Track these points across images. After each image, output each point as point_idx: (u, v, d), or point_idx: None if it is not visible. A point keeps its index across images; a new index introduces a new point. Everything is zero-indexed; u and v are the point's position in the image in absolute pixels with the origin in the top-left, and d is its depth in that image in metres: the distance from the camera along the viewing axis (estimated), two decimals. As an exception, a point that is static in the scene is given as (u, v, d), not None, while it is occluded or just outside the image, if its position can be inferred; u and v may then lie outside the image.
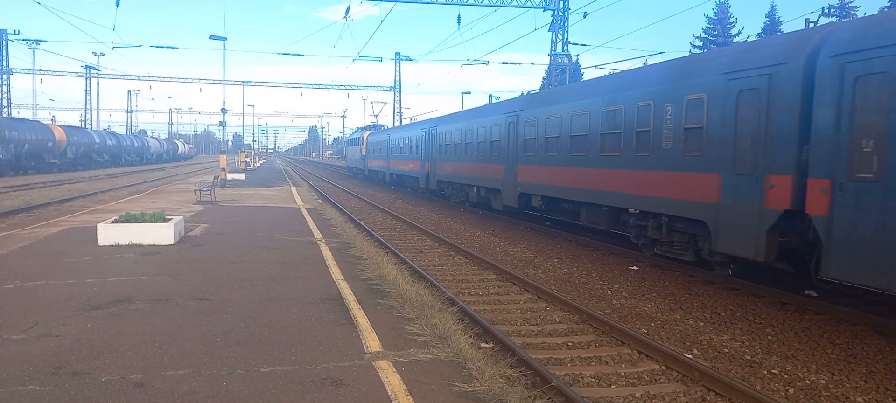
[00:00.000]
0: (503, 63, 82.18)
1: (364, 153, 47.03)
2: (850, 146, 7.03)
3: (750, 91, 8.82)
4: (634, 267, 12.66)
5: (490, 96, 38.56)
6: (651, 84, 11.29)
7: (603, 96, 13.07)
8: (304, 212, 19.03)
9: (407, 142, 32.35)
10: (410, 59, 64.19)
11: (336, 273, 9.65)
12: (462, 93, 57.42)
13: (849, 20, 8.06)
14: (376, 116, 70.45)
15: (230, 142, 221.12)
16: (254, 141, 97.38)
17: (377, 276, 9.48)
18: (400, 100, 67.82)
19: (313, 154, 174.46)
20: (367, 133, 47.61)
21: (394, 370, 5.67)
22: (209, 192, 21.38)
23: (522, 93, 20.38)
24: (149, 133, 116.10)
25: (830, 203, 7.34)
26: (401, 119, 67.50)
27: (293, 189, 31.18)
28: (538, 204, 16.92)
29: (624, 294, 10.50)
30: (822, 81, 7.43)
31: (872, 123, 6.92)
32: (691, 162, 10.12)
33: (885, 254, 6.79)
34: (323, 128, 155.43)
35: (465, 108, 28.42)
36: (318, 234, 14.00)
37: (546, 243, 15.92)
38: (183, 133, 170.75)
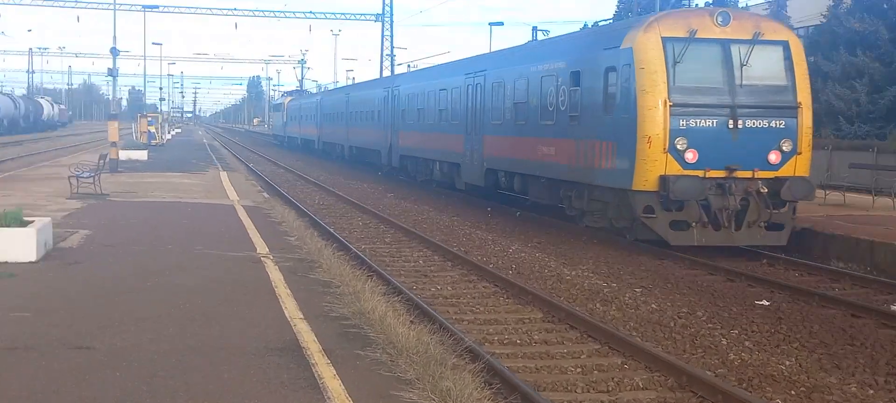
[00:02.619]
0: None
1: (285, 120, 66.38)
2: None
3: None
4: (763, 302, 12.66)
5: (534, 31, 38.82)
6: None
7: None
8: (242, 212, 19.13)
9: (360, 105, 40.45)
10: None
11: (291, 307, 9.67)
12: (490, 24, 57.44)
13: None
14: (301, 81, 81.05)
15: (125, 102, 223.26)
16: (163, 100, 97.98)
17: (355, 313, 9.50)
18: (391, 37, 68.03)
19: (256, 120, 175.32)
20: (288, 99, 65.01)
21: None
22: (92, 180, 21.53)
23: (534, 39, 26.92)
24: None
25: None
26: (393, 64, 67.85)
27: (224, 175, 31.40)
28: (505, 182, 21.74)
29: (747, 342, 10.46)
30: None
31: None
32: None
33: None
34: (269, 79, 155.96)
35: (494, 50, 33.60)
36: (262, 247, 14.05)
37: (623, 264, 15.98)
38: (51, 87, 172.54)
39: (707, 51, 16.62)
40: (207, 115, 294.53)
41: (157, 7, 66.35)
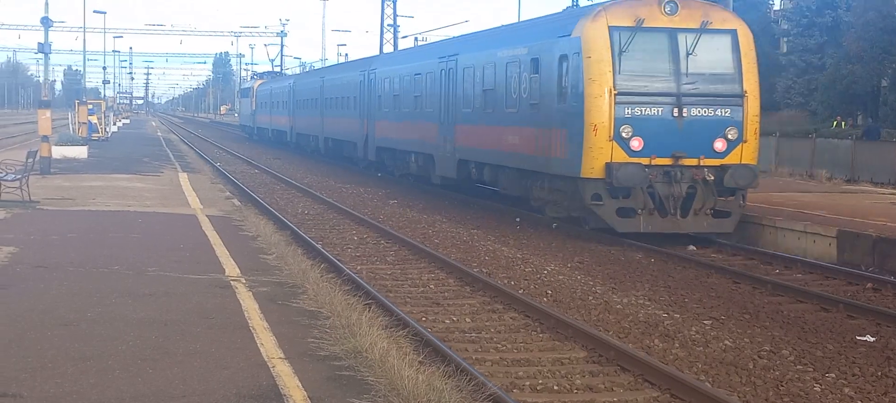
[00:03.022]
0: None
1: (253, 108, 71.45)
2: None
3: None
4: (867, 338, 12.60)
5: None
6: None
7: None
8: (206, 224, 19.19)
9: (335, 91, 44.29)
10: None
11: (269, 344, 9.67)
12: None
13: None
14: (272, 62, 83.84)
15: (59, 86, 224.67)
16: (107, 84, 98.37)
17: (349, 351, 9.49)
18: (393, 3, 68.18)
19: (223, 108, 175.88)
20: (258, 82, 70.24)
21: None
22: (18, 183, 21.64)
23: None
24: None
25: None
26: (395, 37, 68.07)
27: (183, 177, 31.53)
28: (476, 174, 26.43)
29: (847, 389, 10.39)
30: None
31: None
32: None
33: None
34: (241, 57, 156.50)
35: (468, 33, 38.05)
36: (232, 268, 14.08)
37: (688, 289, 16.00)
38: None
39: (653, 39, 20.14)
40: (163, 102, 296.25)
41: (98, -34, 66.62)
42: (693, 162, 20.00)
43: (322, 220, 24.25)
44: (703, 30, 20.27)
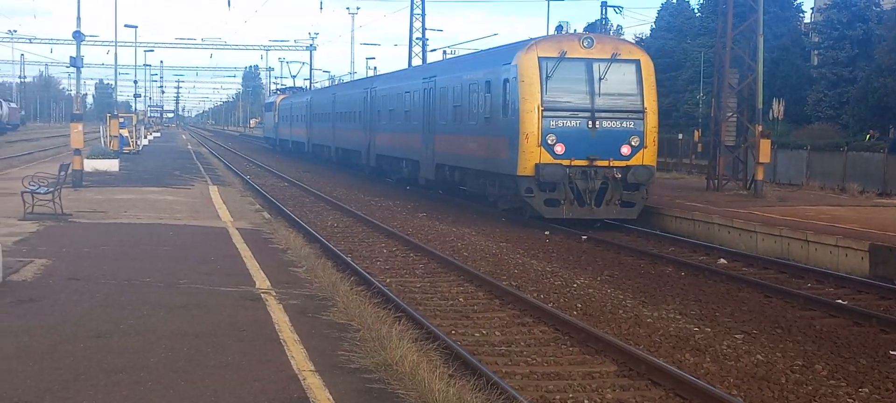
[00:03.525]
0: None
1: (275, 121, 79.03)
2: None
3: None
4: (901, 352, 12.49)
5: (603, 6, 39.01)
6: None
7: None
8: (237, 236, 19.25)
9: (345, 106, 50.32)
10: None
11: (299, 356, 9.68)
12: (548, 0, 57.38)
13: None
14: (294, 78, 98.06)
15: (91, 100, 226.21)
16: (138, 97, 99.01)
17: (379, 364, 9.49)
18: (422, 17, 68.29)
19: (252, 121, 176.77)
20: (281, 96, 77.92)
21: None
22: (51, 197, 21.79)
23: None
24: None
25: None
26: (424, 50, 68.18)
27: (214, 190, 31.66)
28: (449, 176, 32.08)
29: (881, 406, 10.31)
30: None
31: None
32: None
33: None
34: (270, 70, 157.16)
35: (443, 59, 47.23)
36: (263, 280, 14.12)
37: (719, 303, 15.96)
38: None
39: (573, 67, 25.48)
40: (193, 115, 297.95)
41: (130, -19, 66.96)
42: (604, 163, 25.21)
43: (351, 233, 24.29)
44: (613, 60, 25.62)
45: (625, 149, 25.26)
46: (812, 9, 74.96)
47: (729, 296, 16.42)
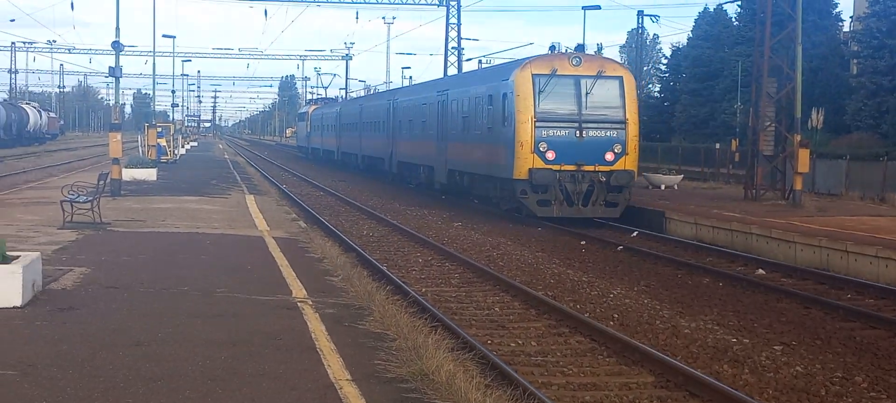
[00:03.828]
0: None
1: (308, 130, 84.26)
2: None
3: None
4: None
5: (640, 15, 39.01)
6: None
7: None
8: (273, 245, 19.33)
9: (371, 116, 54.12)
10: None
11: (336, 365, 9.69)
12: (584, 8, 57.17)
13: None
14: (325, 89, 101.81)
15: (129, 109, 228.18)
16: (175, 107, 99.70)
17: (415, 373, 9.48)
18: (458, 26, 68.39)
19: (289, 131, 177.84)
20: (313, 107, 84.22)
21: None
22: (90, 206, 21.95)
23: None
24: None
25: None
26: (459, 59, 68.32)
27: (250, 199, 31.79)
28: (458, 181, 35.48)
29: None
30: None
31: None
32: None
33: None
34: (306, 80, 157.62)
35: (453, 74, 51.15)
36: (299, 289, 14.16)
37: (757, 314, 15.88)
38: (39, 91, 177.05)
39: (563, 83, 28.73)
40: (229, 125, 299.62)
41: (168, -9, 67.52)
42: (591, 168, 28.36)
43: (387, 242, 24.33)
44: (599, 77, 28.94)
45: (609, 156, 28.49)
46: (851, 18, 74.35)
47: (767, 307, 16.31)
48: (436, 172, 38.39)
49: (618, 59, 30.99)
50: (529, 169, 28.12)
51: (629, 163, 28.74)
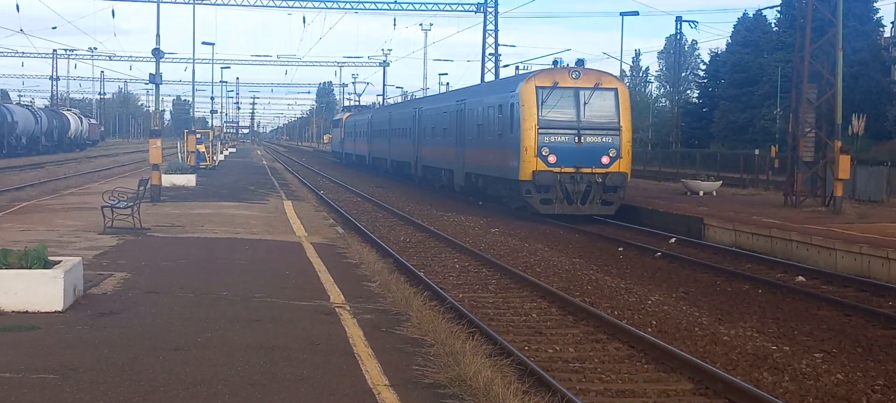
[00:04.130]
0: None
1: (342, 136, 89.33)
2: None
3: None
4: None
5: (678, 21, 38.93)
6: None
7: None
8: (311, 251, 19.39)
9: (399, 123, 57.60)
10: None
11: (373, 371, 9.70)
12: (622, 14, 56.97)
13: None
14: (359, 96, 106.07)
15: (168, 116, 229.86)
16: (214, 113, 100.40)
17: (453, 379, 9.48)
18: (495, 32, 68.37)
19: (326, 137, 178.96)
20: (346, 114, 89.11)
21: None
22: (130, 212, 22.12)
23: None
24: (15, 99, 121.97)
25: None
26: (497, 66, 68.33)
27: (288, 205, 31.93)
28: (475, 183, 38.88)
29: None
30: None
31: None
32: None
33: None
34: (343, 86, 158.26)
35: (469, 85, 55.99)
36: (337, 295, 14.20)
37: (798, 321, 15.77)
38: (79, 98, 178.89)
39: (564, 94, 31.89)
40: (268, 131, 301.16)
41: (208, -3, 67.83)
42: (588, 170, 31.37)
43: (424, 248, 24.35)
44: (596, 88, 32.05)
45: (604, 159, 31.51)
46: (892, 23, 73.74)
47: (807, 314, 16.18)
48: (455, 175, 41.56)
49: (615, 73, 35.56)
50: (533, 171, 31.21)
51: (623, 165, 31.77)
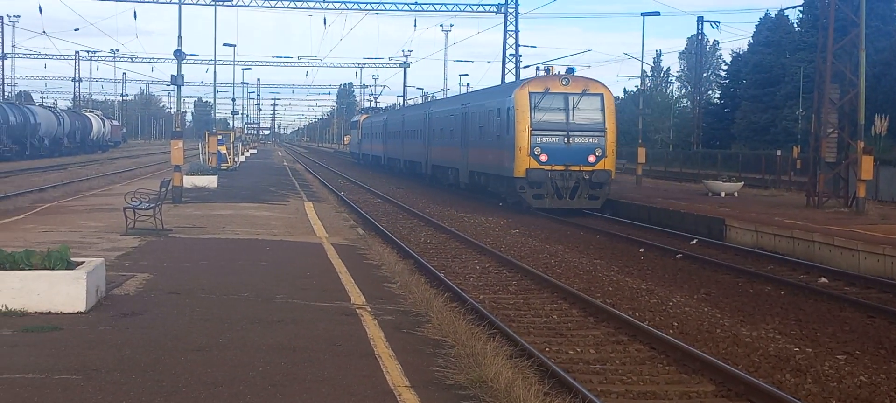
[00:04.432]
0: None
1: (359, 138, 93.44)
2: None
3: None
4: None
5: (699, 21, 38.88)
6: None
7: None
8: (332, 252, 19.43)
9: (411, 125, 61.36)
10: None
11: (394, 372, 9.71)
12: (643, 15, 56.80)
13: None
14: (376, 99, 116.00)
15: (190, 117, 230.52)
16: (236, 115, 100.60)
17: (474, 380, 9.48)
18: (516, 33, 68.37)
19: (346, 138, 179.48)
20: (364, 116, 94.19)
21: None
22: (151, 213, 22.21)
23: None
24: (38, 100, 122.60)
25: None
26: (517, 67, 68.36)
27: (309, 206, 31.99)
28: (477, 180, 42.13)
29: None
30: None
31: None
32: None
33: None
34: (364, 87, 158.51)
35: (472, 90, 60.62)
36: (358, 296, 14.22)
37: (820, 323, 15.71)
38: (101, 99, 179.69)
39: (554, 99, 34.99)
40: (288, 132, 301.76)
41: (230, 0, 67.98)
42: (577, 168, 34.44)
43: (444, 249, 24.36)
44: (583, 94, 35.27)
45: (591, 158, 34.53)
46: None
47: (830, 316, 16.10)
48: (460, 174, 45.04)
49: (601, 79, 37.89)
50: (527, 169, 34.33)
51: (608, 164, 34.97)
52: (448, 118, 48.56)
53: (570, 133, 34.53)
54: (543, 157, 34.16)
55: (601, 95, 35.36)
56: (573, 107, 34.78)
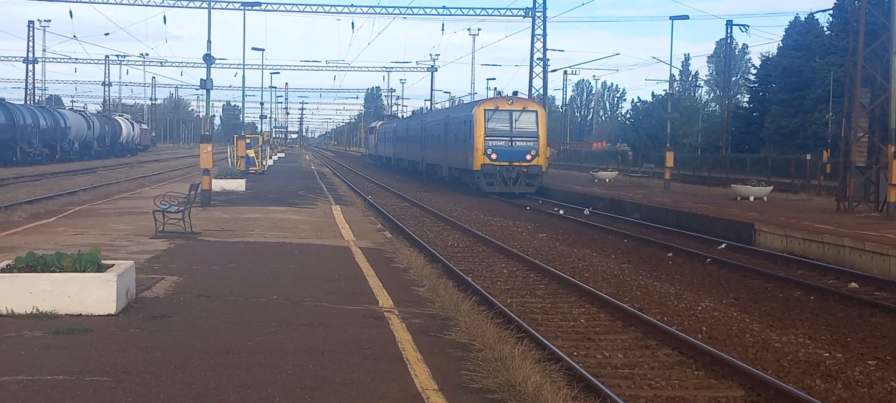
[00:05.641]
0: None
1: (375, 142, 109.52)
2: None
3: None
4: None
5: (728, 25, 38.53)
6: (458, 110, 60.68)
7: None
8: (360, 255, 19.47)
9: (413, 132, 74.35)
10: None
11: (422, 375, 9.73)
12: (672, 18, 56.66)
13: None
14: (392, 107, 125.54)
15: (218, 121, 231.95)
16: (264, 118, 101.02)
17: (502, 384, 9.48)
18: (543, 37, 68.24)
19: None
20: (379, 123, 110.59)
21: None
22: (181, 216, 22.32)
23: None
24: (68, 104, 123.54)
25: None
26: (545, 71, 68.40)
27: (336, 209, 32.07)
28: (454, 175, 56.00)
29: None
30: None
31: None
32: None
33: None
34: (392, 91, 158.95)
35: (450, 105, 79.85)
36: (385, 299, 14.24)
37: (850, 328, 15.62)
38: (131, 103, 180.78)
39: (502, 115, 48.11)
40: (316, 136, 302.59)
41: (259, 4, 68.19)
42: (518, 164, 47.02)
43: (472, 253, 24.37)
44: (523, 111, 48.27)
45: (528, 156, 47.40)
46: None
47: (861, 321, 15.99)
48: (443, 170, 57.60)
49: (536, 99, 57.25)
50: (482, 164, 47.27)
51: (540, 161, 48.04)
52: (436, 127, 61.37)
53: (513, 139, 47.59)
54: (494, 156, 47.13)
55: (536, 111, 49.08)
56: (515, 120, 47.75)
